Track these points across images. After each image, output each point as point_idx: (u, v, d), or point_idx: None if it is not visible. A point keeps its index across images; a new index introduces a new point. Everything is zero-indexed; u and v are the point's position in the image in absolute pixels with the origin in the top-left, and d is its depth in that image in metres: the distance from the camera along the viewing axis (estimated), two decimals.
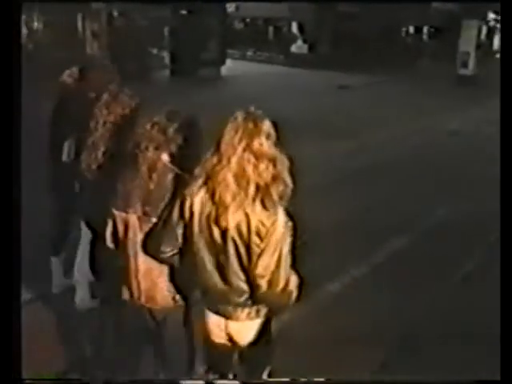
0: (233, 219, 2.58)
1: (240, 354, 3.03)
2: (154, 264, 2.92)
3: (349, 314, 5.02)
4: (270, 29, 30.61)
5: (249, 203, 2.56)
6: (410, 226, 7.13)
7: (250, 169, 2.55)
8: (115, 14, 20.34)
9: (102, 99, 3.63)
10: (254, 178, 2.55)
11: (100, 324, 3.80)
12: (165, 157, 2.92)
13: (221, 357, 3.00)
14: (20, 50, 2.91)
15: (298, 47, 27.68)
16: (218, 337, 2.89)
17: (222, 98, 14.30)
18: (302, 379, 3.47)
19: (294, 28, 28.33)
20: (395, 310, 5.18)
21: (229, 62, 23.59)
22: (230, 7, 30.58)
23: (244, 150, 2.55)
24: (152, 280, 2.96)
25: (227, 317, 2.80)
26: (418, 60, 27.38)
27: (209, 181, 2.62)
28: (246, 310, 2.77)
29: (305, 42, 27.57)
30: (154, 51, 21.85)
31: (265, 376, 3.14)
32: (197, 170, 2.69)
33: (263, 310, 2.81)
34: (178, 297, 2.98)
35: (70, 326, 4.46)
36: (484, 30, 49.16)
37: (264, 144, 2.57)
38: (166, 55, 21.54)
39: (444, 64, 24.47)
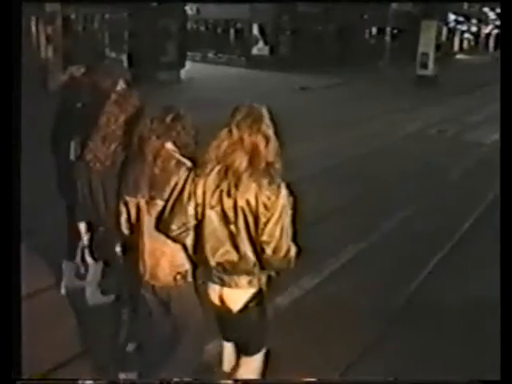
0: (243, 193, 2.92)
1: (238, 321, 3.22)
2: (157, 244, 3.19)
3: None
4: (232, 31, 30.43)
5: (258, 179, 2.90)
6: (371, 228, 7.04)
7: (261, 148, 2.92)
8: (72, 16, 19.87)
9: (112, 97, 3.78)
10: (263, 157, 2.92)
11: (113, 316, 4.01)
12: (169, 145, 3.20)
13: (222, 323, 3.32)
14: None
15: (259, 49, 27.59)
16: (215, 301, 3.17)
17: (181, 101, 14.01)
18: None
19: (255, 30, 28.16)
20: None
21: (190, 64, 23.35)
22: (191, 9, 30.39)
23: (256, 132, 2.91)
24: (156, 259, 3.23)
25: (231, 285, 3.07)
26: (378, 61, 27.48)
27: (222, 160, 2.95)
28: (249, 278, 3.05)
29: (266, 43, 27.47)
30: (113, 55, 21.45)
31: (261, 354, 3.35)
32: (210, 153, 3.00)
33: (263, 279, 3.11)
34: (178, 276, 3.22)
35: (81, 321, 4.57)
36: (444, 30, 50.12)
37: (270, 127, 2.97)
38: (124, 59, 21.16)
39: (404, 65, 24.65)
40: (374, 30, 34.28)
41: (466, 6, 55.36)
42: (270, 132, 2.97)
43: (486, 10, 61.01)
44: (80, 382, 3.59)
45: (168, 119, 3.23)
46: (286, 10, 27.22)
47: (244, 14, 27.77)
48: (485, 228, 7.07)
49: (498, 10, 60.61)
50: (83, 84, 4.43)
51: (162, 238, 3.14)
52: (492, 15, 61.96)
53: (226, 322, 3.29)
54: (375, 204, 7.96)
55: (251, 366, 3.36)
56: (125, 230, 3.40)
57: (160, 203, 3.14)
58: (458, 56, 50.59)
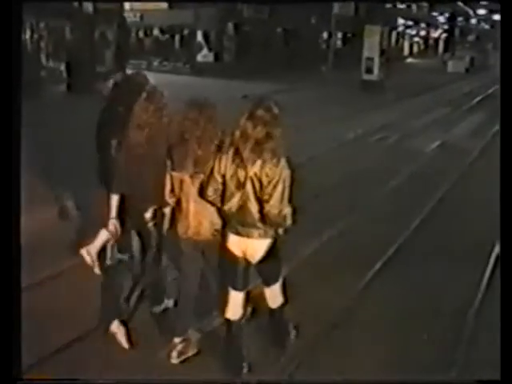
0: (253, 165, 3.84)
1: (258, 268, 4.22)
2: (200, 208, 4.10)
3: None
4: (176, 38, 29.86)
5: (264, 154, 3.81)
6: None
7: (273, 132, 3.83)
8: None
9: (143, 94, 4.39)
10: (273, 137, 3.82)
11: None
12: (207, 133, 4.04)
13: (241, 270, 4.15)
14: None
15: (204, 56, 27.09)
16: (238, 252, 4.08)
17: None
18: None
19: (199, 36, 27.65)
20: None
21: None
22: (135, 16, 29.75)
23: (262, 124, 3.80)
24: (198, 220, 4.13)
25: (244, 235, 3.99)
26: (324, 66, 27.24)
27: (236, 143, 3.89)
28: (258, 231, 3.96)
29: (210, 50, 26.99)
30: (51, 64, 20.69)
31: (279, 284, 4.38)
32: (227, 139, 4.01)
33: (270, 232, 4.00)
34: (215, 232, 4.14)
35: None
36: (394, 35, 50.52)
37: (276, 119, 3.87)
38: (63, 68, 20.40)
39: (350, 70, 24.43)
40: (322, 35, 34.14)
41: (414, 10, 55.98)
42: (274, 124, 3.83)
43: (434, 14, 61.88)
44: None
45: (203, 113, 4.07)
46: (230, 16, 26.81)
47: (188, 20, 27.24)
48: (422, 239, 7.06)
49: (447, 15, 61.64)
50: (124, 89, 4.98)
51: (204, 202, 4.06)
52: (441, 19, 62.88)
53: (246, 271, 4.17)
54: (312, 212, 7.54)
55: (274, 293, 4.37)
56: (168, 198, 4.25)
57: (201, 176, 4.07)
58: (408, 60, 51.05)
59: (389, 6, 46.18)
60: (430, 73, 34.16)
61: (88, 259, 4.69)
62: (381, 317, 5.17)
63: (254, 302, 4.62)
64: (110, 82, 5.31)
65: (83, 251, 4.69)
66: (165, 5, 28.37)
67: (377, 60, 21.94)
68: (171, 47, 29.73)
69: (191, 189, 4.12)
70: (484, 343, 4.63)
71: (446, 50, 52.46)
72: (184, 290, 4.46)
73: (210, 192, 3.97)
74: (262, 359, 4.36)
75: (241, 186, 3.90)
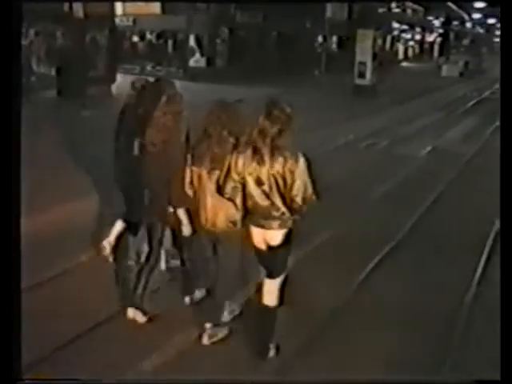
0: (275, 163, 4.12)
1: (269, 256, 4.42)
2: (216, 202, 4.36)
3: None
4: (170, 43, 29.72)
5: (284, 152, 4.12)
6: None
7: (288, 130, 4.15)
8: None
9: (163, 98, 4.69)
10: (288, 134, 4.15)
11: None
12: (225, 132, 4.39)
13: (260, 258, 4.49)
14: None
15: (196, 61, 26.89)
16: (259, 243, 4.40)
17: (106, 117, 13.79)
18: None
19: (192, 41, 27.48)
20: None
21: (127, 78, 22.48)
22: (128, 20, 29.61)
23: (279, 123, 4.10)
24: (215, 212, 4.38)
25: (265, 227, 4.28)
26: (317, 70, 27.13)
27: (254, 141, 4.16)
28: (279, 222, 4.22)
29: (202, 55, 26.84)
30: (42, 70, 20.53)
31: (279, 281, 4.49)
32: (243, 138, 4.30)
33: (289, 222, 4.26)
34: (230, 224, 4.36)
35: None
36: (389, 39, 50.50)
37: (290, 118, 4.18)
38: (54, 73, 20.21)
39: (344, 74, 24.32)
40: (317, 39, 34.01)
41: (410, 14, 56.00)
42: (288, 122, 4.14)
43: (430, 18, 61.91)
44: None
45: (225, 113, 4.45)
46: (223, 20, 26.69)
47: (181, 25, 27.10)
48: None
49: (442, 19, 61.67)
50: (144, 93, 5.23)
51: (220, 197, 4.33)
52: (437, 23, 62.91)
53: (261, 258, 4.46)
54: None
55: (271, 289, 4.49)
56: (188, 190, 4.57)
57: (217, 172, 4.37)
58: (403, 64, 51.01)
59: (383, 10, 46.16)
60: (424, 77, 34.05)
61: (107, 249, 5.22)
62: (378, 316, 5.22)
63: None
64: (132, 86, 5.52)
65: (105, 243, 5.23)
66: (158, 9, 28.25)
67: (369, 64, 21.79)
68: (164, 52, 29.56)
69: (208, 183, 4.43)
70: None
71: (440, 54, 52.43)
72: (212, 278, 4.82)
73: (227, 190, 4.28)
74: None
75: (262, 182, 4.18)
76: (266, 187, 4.17)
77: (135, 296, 5.04)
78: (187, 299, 5.25)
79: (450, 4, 54.58)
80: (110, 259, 5.31)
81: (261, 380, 4.29)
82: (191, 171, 4.55)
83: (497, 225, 7.29)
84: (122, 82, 21.51)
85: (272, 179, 4.15)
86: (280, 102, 4.24)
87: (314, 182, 4.20)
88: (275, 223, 4.24)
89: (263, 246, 4.39)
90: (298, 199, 4.17)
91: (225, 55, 26.87)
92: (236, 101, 20.11)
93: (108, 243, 5.25)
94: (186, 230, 4.72)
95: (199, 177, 4.49)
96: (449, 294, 5.75)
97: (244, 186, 4.24)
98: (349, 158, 11.68)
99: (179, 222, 4.73)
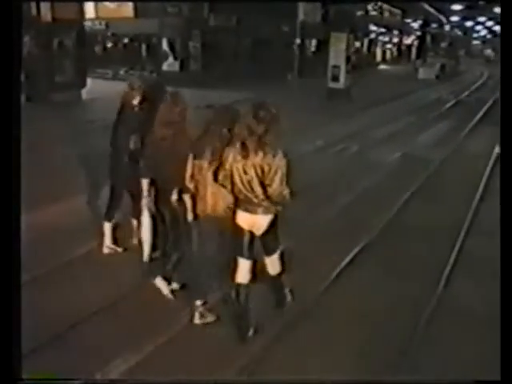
0: (256, 156, 4.66)
1: (261, 240, 5.07)
2: (215, 190, 4.89)
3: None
4: (143, 47, 29.36)
5: (265, 147, 4.64)
6: None
7: (272, 129, 4.63)
8: None
9: (167, 97, 5.36)
10: (271, 133, 4.63)
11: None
12: (224, 130, 4.93)
13: (247, 241, 5.00)
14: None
15: (169, 65, 26.60)
16: (245, 226, 4.93)
17: (81, 121, 14.83)
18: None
19: (165, 45, 27.15)
20: None
21: (98, 83, 22.12)
22: (100, 24, 29.22)
23: (265, 123, 4.62)
24: (215, 199, 4.92)
25: (251, 212, 4.85)
26: (290, 74, 26.88)
27: (243, 138, 4.68)
28: (261, 208, 4.81)
29: (176, 59, 26.51)
30: None
31: (277, 255, 5.26)
32: (236, 134, 4.82)
33: (272, 208, 4.84)
34: (227, 209, 4.89)
35: None
36: (366, 41, 50.51)
37: (275, 118, 4.70)
38: (22, 79, 19.76)
39: (319, 77, 24.08)
40: (290, 42, 33.78)
41: (387, 16, 56.07)
42: (273, 122, 4.63)
43: (408, 20, 62.09)
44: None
45: (227, 114, 5.03)
46: (196, 24, 26.37)
47: (154, 28, 26.76)
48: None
49: (420, 21, 61.84)
50: (140, 93, 5.95)
51: (218, 186, 4.87)
52: (415, 25, 63.11)
53: (255, 239, 5.02)
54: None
55: (273, 262, 5.24)
56: (188, 183, 5.06)
57: (216, 164, 4.87)
58: (381, 66, 51.09)
59: (361, 12, 46.14)
60: (400, 80, 34.06)
61: (112, 249, 6.43)
62: (366, 315, 5.39)
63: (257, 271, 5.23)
64: (127, 87, 6.07)
65: (105, 249, 6.47)
66: (131, 13, 27.90)
67: (343, 68, 21.57)
68: (138, 56, 29.22)
69: (208, 174, 4.93)
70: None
71: (418, 56, 52.52)
72: (200, 259, 5.28)
73: (220, 177, 4.83)
74: (265, 322, 5.12)
75: (246, 172, 4.72)
76: (249, 177, 4.72)
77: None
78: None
79: (427, 7, 54.72)
80: (119, 250, 6.46)
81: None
82: (193, 165, 5.03)
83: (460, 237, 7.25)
84: (94, 87, 21.19)
85: (253, 170, 4.69)
86: (266, 103, 4.75)
87: (287, 182, 4.72)
88: (259, 209, 4.82)
89: (254, 230, 4.96)
90: (270, 189, 4.71)
91: (198, 59, 26.54)
92: (207, 106, 19.84)
93: (107, 248, 6.42)
94: (190, 215, 5.17)
95: (200, 169, 4.98)
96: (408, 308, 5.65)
97: (232, 175, 4.79)
98: (317, 164, 11.42)
99: (182, 209, 5.22)
